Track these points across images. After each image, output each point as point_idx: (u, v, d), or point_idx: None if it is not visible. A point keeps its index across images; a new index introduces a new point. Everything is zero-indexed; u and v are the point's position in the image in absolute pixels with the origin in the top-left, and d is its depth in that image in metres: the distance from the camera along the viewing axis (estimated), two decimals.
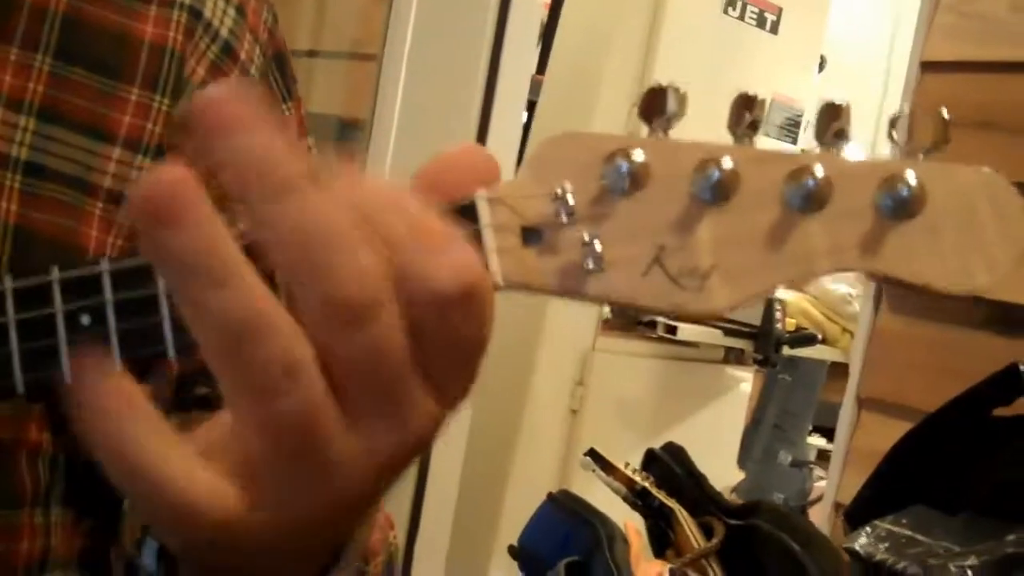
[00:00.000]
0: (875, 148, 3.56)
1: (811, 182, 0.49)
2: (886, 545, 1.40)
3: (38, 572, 0.73)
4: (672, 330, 3.38)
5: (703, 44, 3.14)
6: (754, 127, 0.51)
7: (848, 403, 2.03)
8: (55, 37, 0.72)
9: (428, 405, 0.49)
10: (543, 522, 1.58)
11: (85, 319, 0.50)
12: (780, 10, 3.39)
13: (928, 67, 1.94)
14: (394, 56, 2.43)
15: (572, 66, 3.20)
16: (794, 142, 3.48)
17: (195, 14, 0.79)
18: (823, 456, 4.78)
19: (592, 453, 1.59)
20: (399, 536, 0.79)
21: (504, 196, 0.51)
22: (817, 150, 0.51)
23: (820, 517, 2.02)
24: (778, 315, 3.46)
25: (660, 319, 3.42)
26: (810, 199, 0.49)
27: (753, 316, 3.49)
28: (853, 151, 0.51)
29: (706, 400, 3.59)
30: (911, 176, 0.49)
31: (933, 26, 1.94)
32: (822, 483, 4.38)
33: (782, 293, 3.91)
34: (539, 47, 3.09)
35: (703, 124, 0.52)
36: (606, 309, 3.33)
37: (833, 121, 0.51)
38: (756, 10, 3.31)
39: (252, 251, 0.47)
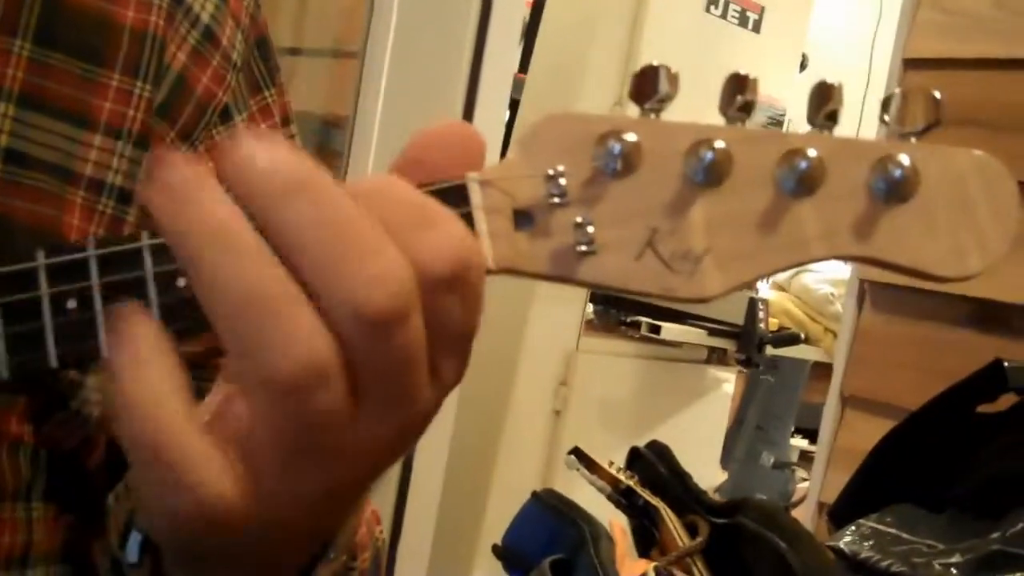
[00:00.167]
0: None
1: (804, 164, 0.49)
2: (870, 543, 1.40)
3: (20, 567, 0.72)
4: (656, 330, 3.38)
5: (685, 42, 3.14)
6: (746, 108, 0.51)
7: (832, 402, 2.03)
8: (34, 22, 0.71)
9: (429, 391, 0.49)
10: (528, 521, 1.56)
11: (71, 303, 0.49)
12: (762, 9, 3.39)
13: (911, 64, 1.95)
14: (376, 54, 2.42)
15: (554, 65, 3.19)
16: None
17: None
18: (805, 457, 4.79)
19: (576, 452, 1.58)
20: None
21: (495, 178, 0.50)
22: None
23: (803, 517, 2.02)
24: (761, 315, 3.46)
25: (644, 319, 3.41)
26: (803, 182, 0.49)
27: (736, 315, 3.49)
28: None
29: (689, 401, 3.58)
30: (904, 158, 0.49)
31: (916, 23, 1.95)
32: (804, 484, 4.39)
33: (765, 292, 3.92)
34: (521, 46, 3.08)
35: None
36: (589, 309, 3.33)
37: (825, 102, 0.51)
38: (738, 9, 3.31)
39: None
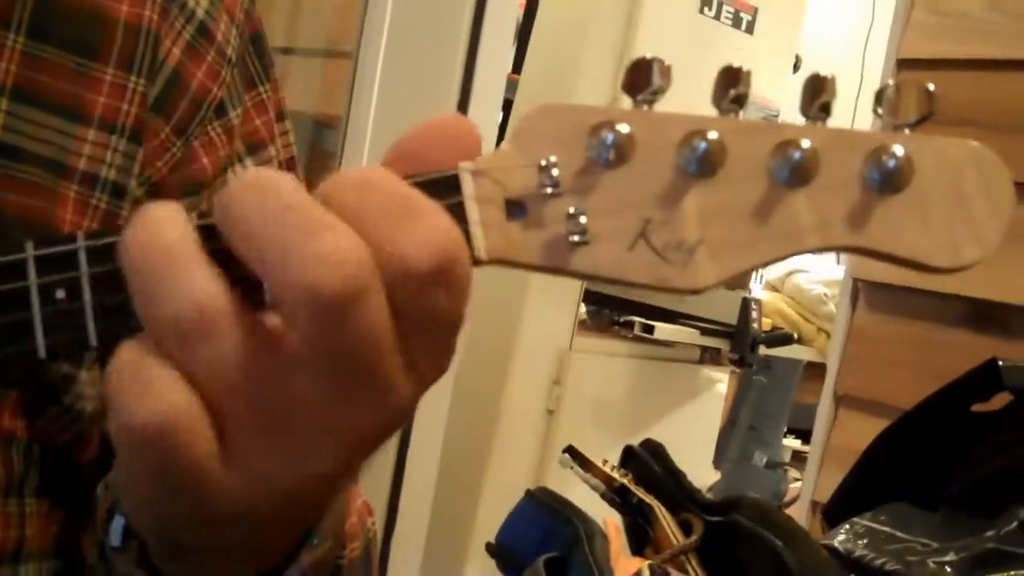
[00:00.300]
0: None
1: (797, 154, 0.49)
2: (865, 542, 1.40)
3: (12, 562, 0.71)
4: (649, 329, 3.38)
5: (679, 43, 3.14)
6: (739, 101, 0.51)
7: (825, 401, 2.03)
8: (27, 16, 0.71)
9: (406, 381, 0.49)
10: (521, 519, 1.56)
11: (60, 293, 0.49)
12: (755, 10, 3.39)
13: (905, 64, 1.95)
14: (370, 54, 2.42)
15: (548, 65, 3.19)
16: None
17: None
18: (798, 457, 4.79)
19: (570, 450, 1.58)
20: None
21: (487, 168, 0.50)
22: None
23: (797, 516, 2.02)
24: (754, 315, 3.47)
25: (637, 319, 3.41)
26: (796, 172, 0.49)
27: (729, 315, 3.49)
28: None
29: (682, 400, 3.58)
30: (899, 148, 0.49)
31: (909, 24, 1.95)
32: (797, 484, 4.40)
33: (758, 293, 3.92)
34: (515, 46, 3.08)
35: None
36: (582, 309, 3.33)
37: (819, 94, 0.51)
38: (732, 10, 3.31)
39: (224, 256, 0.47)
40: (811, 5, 3.89)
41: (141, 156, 0.75)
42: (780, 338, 3.72)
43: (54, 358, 0.51)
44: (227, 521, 0.50)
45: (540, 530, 1.52)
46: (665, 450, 1.59)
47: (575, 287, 3.22)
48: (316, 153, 2.52)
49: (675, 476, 1.54)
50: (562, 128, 0.50)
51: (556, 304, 3.17)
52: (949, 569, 1.28)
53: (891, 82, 0.50)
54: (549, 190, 0.50)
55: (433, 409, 2.63)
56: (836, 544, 1.40)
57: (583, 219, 0.49)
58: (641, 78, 0.51)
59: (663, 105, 0.51)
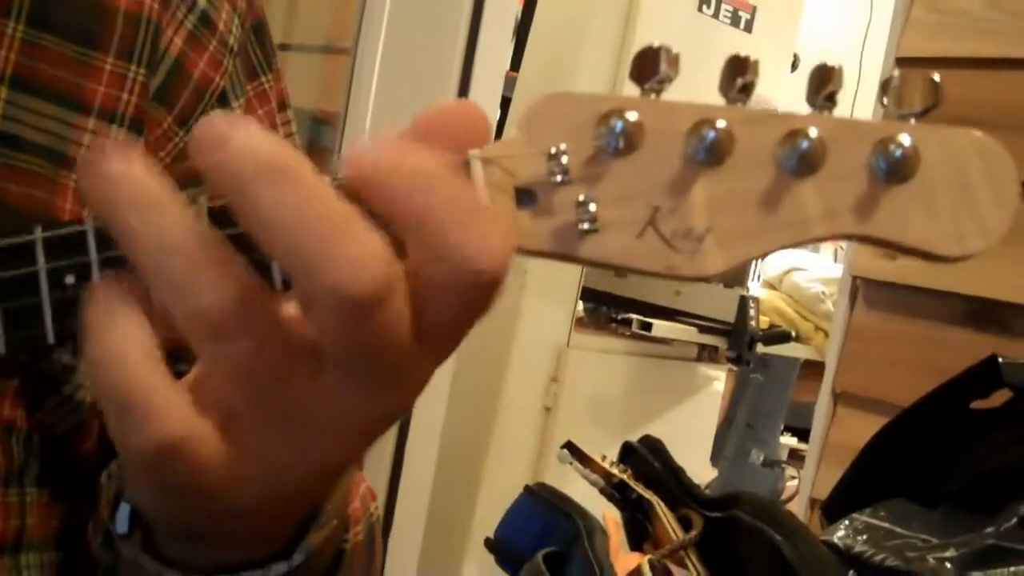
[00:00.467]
0: None
1: (805, 144, 0.49)
2: (864, 537, 1.40)
3: (13, 552, 0.71)
4: (647, 327, 3.38)
5: (677, 41, 3.08)
6: (746, 90, 0.51)
7: (824, 398, 2.03)
8: (27, 4, 0.70)
9: (423, 366, 0.49)
10: (520, 514, 1.56)
11: (69, 278, 0.50)
12: (754, 8, 3.40)
13: (904, 63, 1.95)
14: (368, 51, 2.42)
15: (546, 63, 3.19)
16: None
17: None
18: (795, 456, 4.79)
19: (569, 446, 1.58)
20: None
21: (497, 156, 0.50)
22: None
23: (795, 513, 2.02)
24: (752, 312, 3.47)
25: (635, 316, 3.41)
26: (804, 161, 0.49)
27: (727, 313, 3.50)
28: None
29: (680, 398, 3.59)
30: (905, 138, 0.49)
31: (909, 22, 1.95)
32: (793, 482, 4.40)
33: (756, 291, 3.92)
34: (513, 44, 3.08)
35: None
36: (580, 306, 3.33)
37: (825, 84, 0.51)
38: (730, 8, 3.32)
39: (243, 242, 0.47)
40: (809, 4, 3.90)
41: (142, 146, 0.75)
42: (778, 336, 3.73)
43: (63, 343, 0.51)
44: (238, 512, 0.50)
45: (539, 525, 1.52)
46: (664, 446, 1.59)
47: (573, 284, 3.22)
48: (314, 150, 2.52)
49: (674, 472, 1.54)
50: (571, 116, 0.50)
51: (554, 301, 3.17)
52: (949, 565, 1.28)
53: (896, 73, 0.50)
54: (558, 178, 0.50)
55: (431, 406, 2.63)
56: (835, 540, 1.40)
57: (592, 207, 0.49)
58: (649, 66, 0.51)
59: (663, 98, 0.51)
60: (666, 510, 1.47)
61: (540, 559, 1.41)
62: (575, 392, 3.28)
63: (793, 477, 4.48)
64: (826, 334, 3.77)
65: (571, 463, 1.56)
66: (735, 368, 3.89)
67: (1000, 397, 1.45)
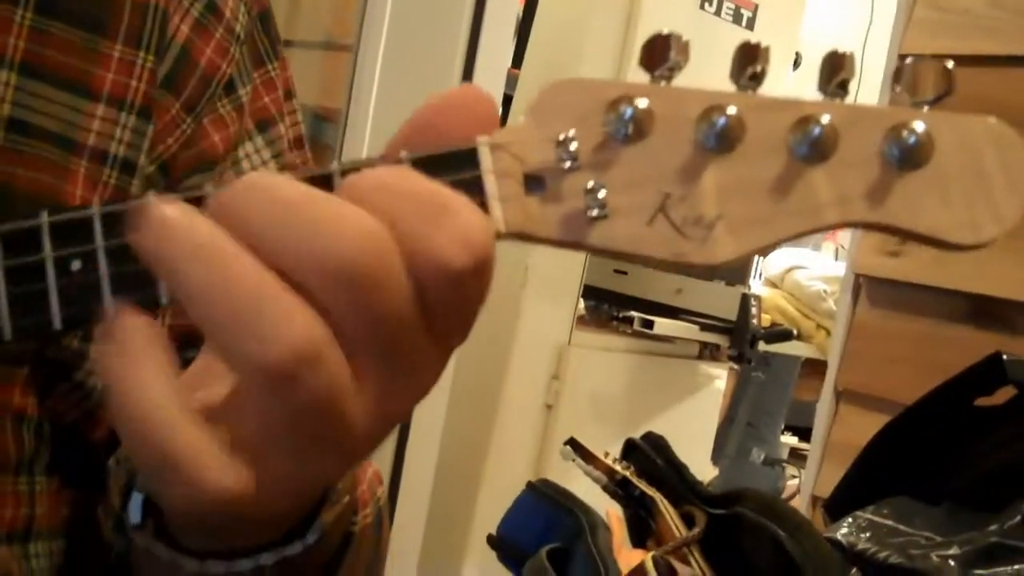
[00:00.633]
0: None
1: (817, 130, 0.49)
2: (867, 535, 1.39)
3: (22, 540, 0.71)
4: (649, 324, 3.38)
5: None
6: (756, 78, 0.50)
7: (826, 396, 2.02)
8: None
9: (433, 356, 0.49)
10: (523, 510, 1.56)
11: (75, 264, 0.49)
12: (756, 6, 3.40)
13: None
14: (370, 47, 2.42)
15: (548, 61, 3.19)
16: None
17: None
18: (795, 454, 4.79)
19: (572, 442, 1.58)
20: None
21: (506, 142, 0.50)
22: None
23: None
24: (754, 311, 3.47)
25: (636, 314, 3.41)
26: (816, 148, 0.49)
27: (729, 311, 3.49)
28: None
29: (681, 396, 3.59)
30: (919, 125, 0.49)
31: (912, 20, 1.95)
32: (794, 481, 4.40)
33: (758, 289, 3.92)
34: (515, 41, 3.08)
35: None
36: (581, 305, 3.33)
37: (837, 71, 0.50)
38: (732, 6, 3.32)
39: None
40: (811, 2, 3.90)
41: (151, 133, 0.75)
42: (779, 334, 3.73)
43: (70, 329, 0.51)
44: (256, 517, 0.50)
45: (542, 521, 1.52)
46: (667, 443, 1.59)
47: (574, 282, 3.22)
48: (315, 146, 2.52)
49: (677, 469, 1.53)
50: (580, 103, 0.50)
51: (555, 299, 3.17)
52: (952, 563, 1.28)
53: (909, 60, 0.50)
54: (567, 164, 0.49)
55: (432, 404, 2.63)
56: (839, 537, 1.40)
57: (602, 194, 0.49)
58: (658, 53, 0.50)
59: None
60: (669, 507, 1.47)
61: (543, 555, 1.41)
62: (576, 390, 3.28)
63: (794, 476, 4.48)
64: (827, 332, 3.77)
65: (574, 460, 1.56)
66: (736, 366, 3.89)
67: (1004, 394, 1.45)
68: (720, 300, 3.51)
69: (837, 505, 1.53)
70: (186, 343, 0.61)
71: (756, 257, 3.99)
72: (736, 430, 4.30)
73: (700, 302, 3.52)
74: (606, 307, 3.57)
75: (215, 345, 0.46)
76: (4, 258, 0.50)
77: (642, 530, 1.49)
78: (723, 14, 3.30)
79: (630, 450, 1.59)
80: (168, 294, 0.49)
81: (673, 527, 1.43)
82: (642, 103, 0.49)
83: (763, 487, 4.34)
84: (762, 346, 3.61)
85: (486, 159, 0.49)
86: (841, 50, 0.50)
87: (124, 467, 0.65)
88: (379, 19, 2.42)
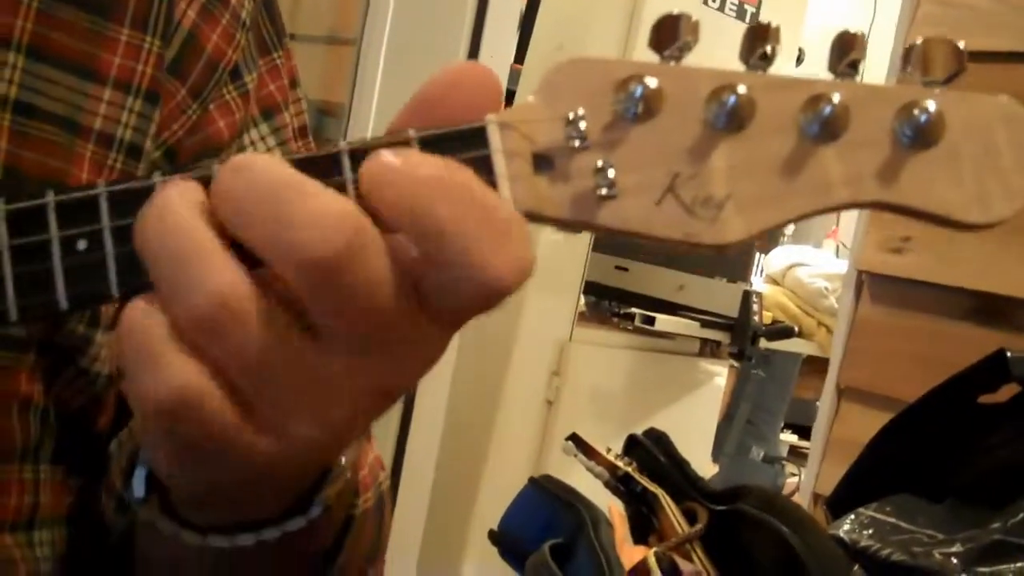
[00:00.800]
0: None
1: (828, 109, 0.48)
2: (870, 532, 1.39)
3: (26, 528, 0.71)
4: (650, 321, 3.38)
5: None
6: (766, 58, 0.50)
7: (828, 393, 2.02)
8: None
9: (433, 333, 0.49)
10: (525, 506, 1.56)
11: (81, 244, 0.49)
12: (759, 2, 3.39)
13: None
14: (373, 41, 2.42)
15: (550, 56, 3.18)
16: None
17: None
18: (795, 452, 4.80)
19: (574, 438, 1.58)
20: None
21: (514, 120, 0.49)
22: None
23: None
24: (755, 308, 3.47)
25: (637, 310, 3.41)
26: (826, 127, 0.48)
27: (730, 308, 3.49)
28: None
29: (681, 393, 3.59)
30: (930, 104, 0.48)
31: (917, 16, 1.94)
32: (793, 479, 4.40)
33: (759, 286, 3.92)
34: (517, 36, 3.08)
35: None
36: (582, 301, 3.33)
37: (847, 51, 0.50)
38: (736, 2, 3.32)
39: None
40: (812, 6, 3.89)
41: (158, 117, 0.75)
42: (781, 331, 3.73)
43: (76, 309, 0.50)
44: (251, 474, 0.50)
45: (544, 517, 1.52)
46: (669, 439, 1.59)
47: (576, 278, 3.22)
48: (318, 141, 2.52)
49: (679, 465, 1.53)
50: (589, 82, 0.50)
51: (556, 295, 3.17)
52: (955, 560, 1.28)
53: (919, 40, 0.50)
54: (576, 143, 0.49)
55: (433, 399, 2.63)
56: (841, 534, 1.40)
57: (611, 173, 0.48)
58: (668, 33, 0.50)
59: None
60: (671, 503, 1.47)
61: (547, 550, 1.41)
62: (577, 386, 3.28)
63: (793, 474, 4.49)
64: (828, 330, 3.77)
65: (576, 455, 1.56)
66: (736, 364, 3.89)
67: (1008, 392, 1.44)
68: (721, 297, 3.51)
69: (839, 502, 1.53)
70: None
71: (757, 254, 4.00)
72: (736, 428, 4.30)
73: (701, 299, 3.52)
74: (607, 303, 3.57)
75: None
76: (10, 238, 0.50)
77: (644, 526, 1.49)
78: (727, 10, 3.30)
79: (632, 446, 1.59)
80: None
81: (675, 523, 1.43)
82: (652, 82, 0.49)
83: (762, 485, 4.35)
84: (763, 343, 3.61)
85: (495, 138, 0.49)
86: (852, 30, 0.50)
87: (127, 447, 0.65)
88: (382, 13, 2.42)
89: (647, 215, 0.49)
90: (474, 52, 2.45)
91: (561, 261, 3.14)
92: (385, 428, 2.52)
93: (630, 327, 3.44)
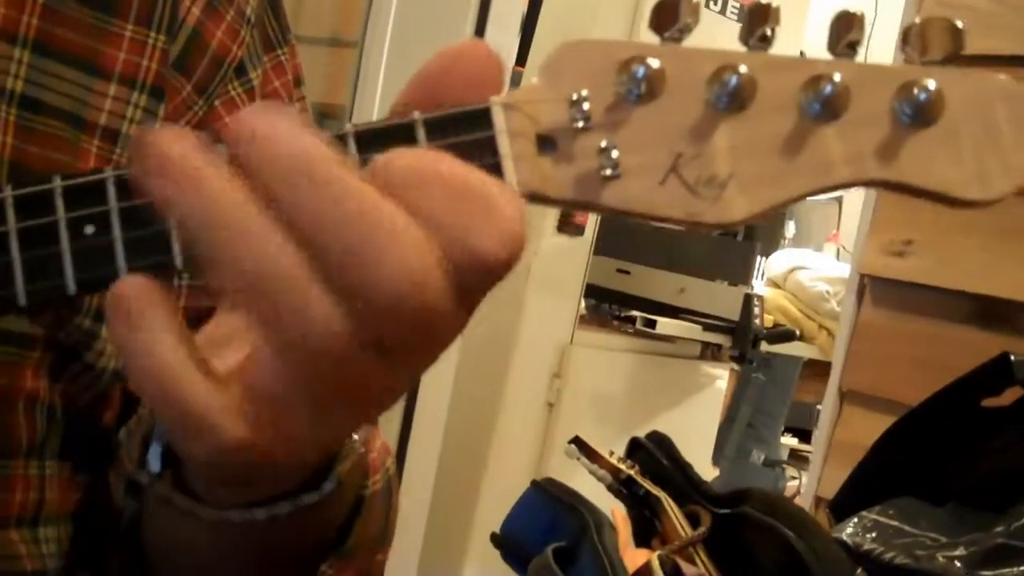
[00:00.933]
0: None
1: (828, 88, 0.49)
2: (873, 535, 1.39)
3: (31, 525, 0.72)
4: (651, 324, 3.38)
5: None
6: (766, 39, 0.50)
7: (830, 396, 2.02)
8: None
9: (460, 322, 0.48)
10: (527, 509, 1.55)
11: (89, 228, 0.49)
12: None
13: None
14: (375, 44, 2.42)
15: None
16: None
17: None
18: (795, 456, 4.80)
19: (577, 441, 1.58)
20: None
21: (518, 101, 0.50)
22: None
23: None
24: (756, 311, 3.47)
25: (638, 313, 3.42)
26: (827, 106, 0.49)
27: (731, 311, 3.50)
28: None
29: (682, 396, 3.59)
30: (930, 82, 0.49)
31: (919, 18, 1.94)
32: (794, 483, 4.40)
33: (760, 289, 3.92)
34: (519, 39, 3.09)
35: None
36: (584, 304, 3.34)
37: (846, 31, 0.50)
38: (737, 5, 3.32)
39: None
40: (815, 1, 3.90)
41: (163, 112, 0.75)
42: (782, 335, 3.73)
43: (84, 293, 0.51)
44: (270, 469, 0.51)
45: (546, 520, 1.52)
46: (671, 442, 1.59)
47: (577, 281, 3.23)
48: None
49: (682, 468, 1.53)
50: (591, 63, 0.50)
51: (558, 298, 3.18)
52: (958, 564, 1.28)
53: (917, 20, 0.50)
54: (580, 124, 0.49)
55: (434, 401, 2.63)
56: (844, 537, 1.40)
57: (614, 153, 0.49)
58: (668, 15, 0.51)
59: None
60: (674, 506, 1.46)
61: (550, 553, 1.40)
62: (578, 389, 3.29)
63: (793, 477, 4.49)
64: (830, 333, 3.78)
65: (579, 458, 1.56)
66: (737, 367, 3.90)
67: (1012, 395, 1.44)
68: (722, 300, 3.52)
69: (842, 505, 1.53)
70: (198, 320, 0.62)
71: (759, 257, 4.00)
72: (736, 431, 4.30)
73: (702, 302, 3.53)
74: (608, 306, 3.58)
75: (237, 309, 0.46)
76: (18, 222, 0.50)
77: (646, 530, 1.48)
78: (728, 13, 3.31)
79: (635, 449, 1.58)
80: (183, 255, 0.49)
81: (678, 526, 1.43)
82: (654, 63, 0.49)
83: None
84: (764, 347, 3.62)
85: (499, 119, 0.49)
86: (852, 10, 0.50)
87: (137, 433, 0.65)
88: (384, 16, 2.42)
89: (650, 195, 0.49)
90: None
91: (562, 264, 3.14)
92: (386, 430, 2.51)
93: (631, 330, 3.45)
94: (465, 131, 0.49)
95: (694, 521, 1.44)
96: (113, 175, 0.50)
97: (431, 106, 0.49)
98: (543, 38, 3.27)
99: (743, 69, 0.49)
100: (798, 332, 3.82)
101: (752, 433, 4.39)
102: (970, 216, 1.40)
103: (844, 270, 3.35)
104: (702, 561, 1.38)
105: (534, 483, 1.60)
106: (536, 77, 0.51)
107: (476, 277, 0.46)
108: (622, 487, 1.53)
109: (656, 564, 1.30)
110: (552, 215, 3.08)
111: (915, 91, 0.48)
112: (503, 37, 2.53)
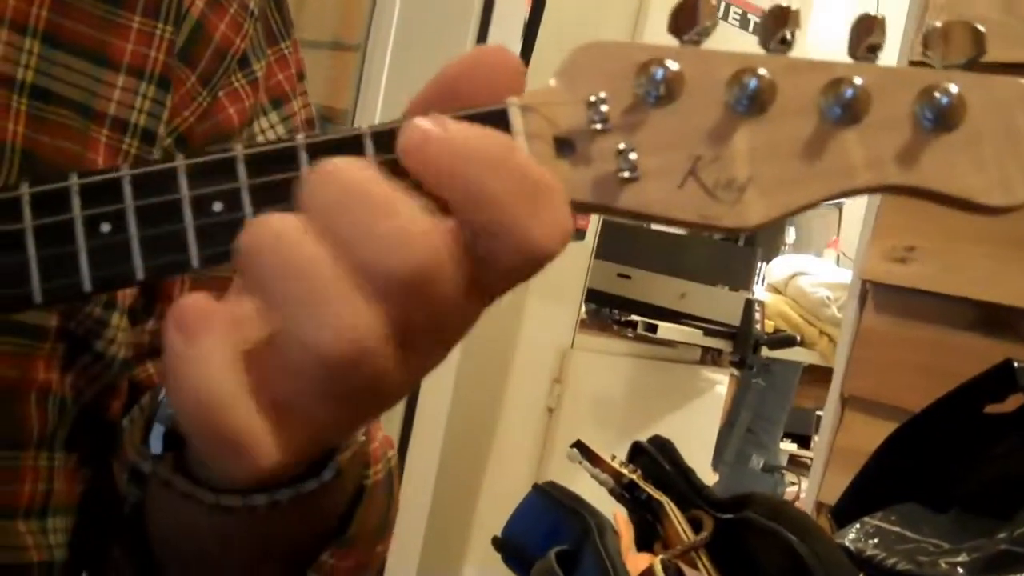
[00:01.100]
0: None
1: (849, 92, 0.48)
2: (875, 541, 1.39)
3: (40, 516, 0.72)
4: (652, 329, 3.38)
5: None
6: (786, 42, 0.50)
7: (832, 402, 2.02)
8: None
9: (476, 314, 0.49)
10: (529, 512, 1.55)
11: (105, 226, 0.49)
12: (763, 12, 3.40)
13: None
14: (377, 47, 2.42)
15: (554, 62, 3.17)
16: None
17: None
18: (794, 461, 4.80)
19: (579, 445, 1.57)
20: None
21: (536, 103, 0.50)
22: None
23: None
24: (757, 316, 3.47)
25: (639, 318, 3.41)
26: (848, 110, 0.48)
27: (732, 317, 3.49)
28: None
29: (682, 401, 3.59)
30: (952, 87, 0.48)
31: (923, 28, 1.93)
32: (792, 488, 4.40)
33: (761, 295, 3.92)
34: (521, 43, 3.09)
35: None
36: (584, 308, 3.34)
37: (867, 34, 0.50)
38: (739, 11, 3.32)
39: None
40: (818, 8, 3.90)
41: (170, 103, 0.76)
42: (782, 340, 3.73)
43: (99, 291, 0.50)
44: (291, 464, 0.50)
45: (548, 524, 1.51)
46: (673, 446, 1.58)
47: (578, 286, 3.22)
48: None
49: (684, 473, 1.53)
50: (610, 65, 0.50)
51: (558, 302, 3.18)
52: (961, 570, 1.27)
53: (938, 23, 0.49)
54: (598, 126, 0.49)
55: (434, 405, 2.63)
56: (847, 543, 1.40)
57: (632, 156, 0.48)
58: (687, 17, 0.50)
59: None
60: (676, 511, 1.46)
61: (553, 557, 1.40)
62: (578, 393, 3.29)
63: (792, 483, 4.49)
64: (830, 339, 3.78)
65: (581, 462, 1.56)
66: (737, 372, 3.90)
67: (1014, 402, 1.44)
68: (723, 305, 3.52)
69: (844, 511, 1.53)
70: None
71: (760, 263, 4.00)
72: (736, 436, 4.30)
73: (703, 307, 3.53)
74: (609, 311, 3.58)
75: (275, 324, 0.46)
76: (34, 220, 0.50)
77: (648, 534, 1.48)
78: (730, 19, 3.31)
79: (636, 453, 1.58)
80: (199, 256, 0.49)
81: (680, 531, 1.42)
82: (673, 65, 0.49)
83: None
84: (765, 352, 3.62)
85: (517, 120, 0.49)
86: (873, 13, 0.50)
87: (138, 422, 0.65)
88: (387, 19, 2.42)
89: (669, 198, 0.49)
90: None
91: (563, 268, 3.14)
92: (387, 433, 2.51)
93: (632, 335, 3.46)
94: None
95: (696, 526, 1.43)
96: (129, 173, 0.49)
97: (449, 108, 0.49)
98: (545, 42, 3.27)
99: (763, 72, 0.48)
100: (798, 337, 3.82)
101: (752, 438, 4.39)
102: (973, 222, 1.40)
103: (845, 276, 3.35)
104: (704, 566, 1.38)
105: (536, 487, 1.59)
106: (553, 79, 0.50)
107: (526, 267, 0.46)
108: (624, 491, 1.52)
109: (659, 568, 1.30)
110: None
111: (937, 95, 0.48)
112: (506, 40, 2.52)
